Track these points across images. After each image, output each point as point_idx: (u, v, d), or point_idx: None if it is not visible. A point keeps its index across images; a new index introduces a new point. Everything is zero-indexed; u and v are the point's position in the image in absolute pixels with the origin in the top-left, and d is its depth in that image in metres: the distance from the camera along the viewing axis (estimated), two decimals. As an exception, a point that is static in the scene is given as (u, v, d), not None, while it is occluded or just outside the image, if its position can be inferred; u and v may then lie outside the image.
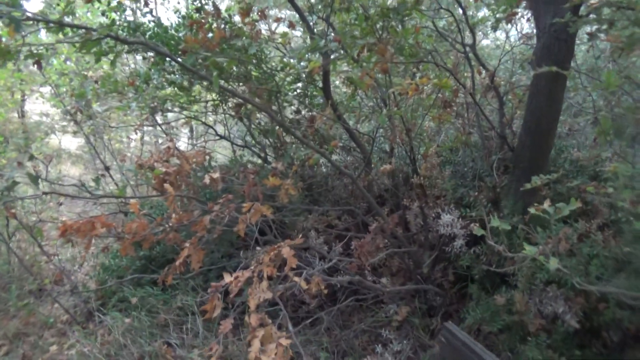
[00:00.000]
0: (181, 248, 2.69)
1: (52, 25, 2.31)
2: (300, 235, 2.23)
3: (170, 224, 2.77)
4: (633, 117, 2.08)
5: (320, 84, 3.69)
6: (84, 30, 2.34)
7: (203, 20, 3.10)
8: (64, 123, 7.97)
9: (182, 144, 5.83)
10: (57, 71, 5.02)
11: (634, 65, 4.52)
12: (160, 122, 4.77)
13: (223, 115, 4.39)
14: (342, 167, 3.43)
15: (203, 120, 4.46)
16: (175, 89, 4.17)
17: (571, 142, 4.36)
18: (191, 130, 6.52)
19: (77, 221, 2.78)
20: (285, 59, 3.54)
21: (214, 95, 4.47)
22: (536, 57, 2.71)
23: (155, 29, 3.78)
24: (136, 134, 3.99)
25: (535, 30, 2.94)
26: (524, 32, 5.23)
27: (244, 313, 1.97)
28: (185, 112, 4.42)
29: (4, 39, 2.35)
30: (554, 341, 2.59)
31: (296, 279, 1.96)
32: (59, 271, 4.17)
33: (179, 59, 2.65)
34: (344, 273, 3.04)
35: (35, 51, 2.28)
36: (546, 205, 1.78)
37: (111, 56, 2.86)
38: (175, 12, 4.00)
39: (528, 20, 5.05)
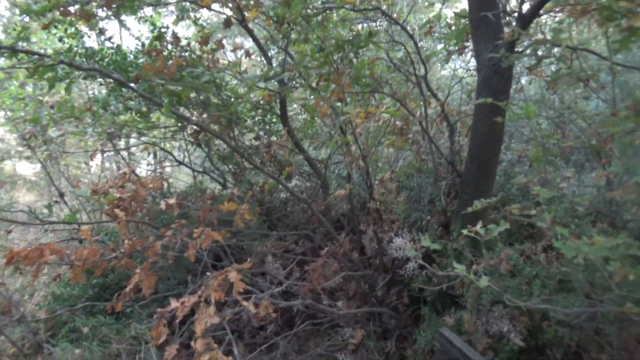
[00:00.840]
0: (133, 274, 2.68)
1: (4, 51, 2.31)
2: (250, 260, 2.26)
3: (123, 250, 2.75)
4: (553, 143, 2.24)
5: (279, 112, 3.79)
6: (37, 56, 2.35)
7: (161, 48, 3.14)
8: (20, 148, 7.78)
9: (143, 170, 5.77)
10: (11, 96, 4.93)
11: (579, 95, 4.84)
12: (120, 147, 4.73)
13: (183, 141, 4.40)
14: (299, 192, 3.49)
15: (162, 146, 4.46)
16: (134, 114, 4.17)
17: (523, 168, 4.58)
18: (155, 156, 6.47)
19: (24, 249, 2.73)
20: (241, 88, 3.62)
21: (172, 121, 4.49)
22: (477, 89, 2.89)
23: (114, 56, 3.81)
24: (92, 160, 3.95)
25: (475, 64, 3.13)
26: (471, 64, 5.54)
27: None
28: (144, 138, 4.41)
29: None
30: (501, 359, 2.68)
31: (245, 303, 1.98)
32: (7, 301, 4.01)
33: (133, 85, 2.68)
34: (300, 298, 3.07)
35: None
36: (478, 227, 1.89)
37: (67, 82, 2.87)
38: (136, 39, 4.04)
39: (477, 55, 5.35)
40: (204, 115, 4.01)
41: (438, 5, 4.92)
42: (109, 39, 3.90)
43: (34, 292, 4.96)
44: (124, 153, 4.89)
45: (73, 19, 3.21)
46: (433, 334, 2.88)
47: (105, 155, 5.88)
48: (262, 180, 3.88)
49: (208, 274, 2.13)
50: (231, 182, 4.53)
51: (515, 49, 2.72)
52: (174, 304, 1.91)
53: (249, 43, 7.68)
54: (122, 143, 4.98)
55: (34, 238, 6.84)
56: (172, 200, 3.18)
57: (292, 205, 4.41)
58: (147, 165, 5.71)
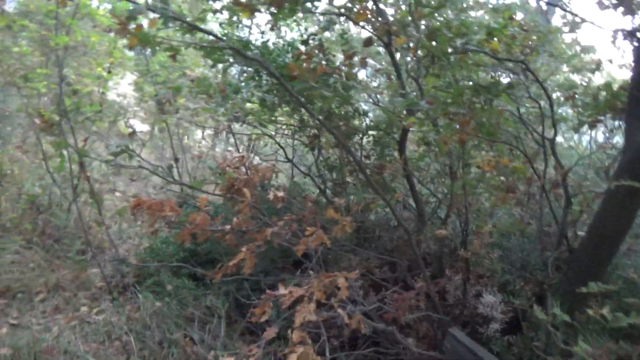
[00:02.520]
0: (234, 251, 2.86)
1: (186, 26, 2.57)
2: (357, 272, 2.32)
3: (231, 226, 2.94)
4: None
5: (397, 137, 3.85)
6: (212, 37, 2.61)
7: (310, 52, 3.34)
8: (137, 108, 8.51)
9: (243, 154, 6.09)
10: (159, 62, 5.46)
11: None
12: (241, 132, 5.05)
13: (297, 140, 4.61)
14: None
15: (277, 140, 4.70)
16: (260, 105, 4.45)
17: (626, 261, 4.28)
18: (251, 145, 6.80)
19: (149, 199, 3.01)
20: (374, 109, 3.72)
21: (292, 120, 4.72)
22: (618, 168, 2.76)
23: (262, 49, 4.10)
24: (217, 135, 4.28)
25: (623, 143, 2.99)
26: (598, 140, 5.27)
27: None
28: (262, 129, 4.68)
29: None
30: None
31: (341, 311, 2.05)
32: (107, 241, 4.42)
33: (287, 83, 2.87)
34: (377, 321, 3.08)
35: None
36: (605, 311, 1.81)
37: (225, 65, 3.15)
38: (280, 38, 4.29)
39: (611, 131, 5.08)
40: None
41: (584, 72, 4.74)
42: (262, 33, 4.20)
43: (127, 238, 5.38)
44: (243, 138, 5.21)
45: (240, 9, 3.50)
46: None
47: (220, 135, 6.30)
48: (362, 197, 3.94)
49: (311, 272, 2.23)
50: (330, 191, 4.65)
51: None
52: (282, 290, 2.02)
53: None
54: (241, 128, 5.29)
55: (135, 193, 7.45)
56: (280, 193, 3.34)
57: (380, 230, 4.44)
58: (248, 152, 5.99)
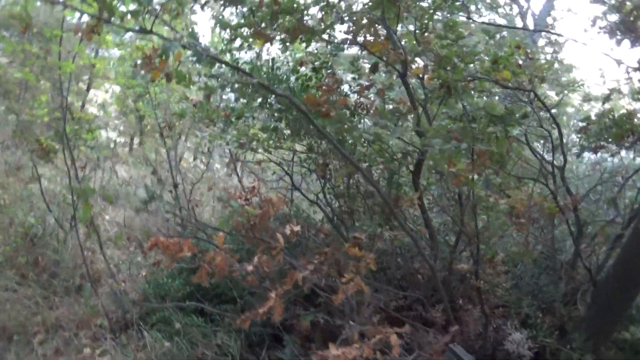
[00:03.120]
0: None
1: (211, 60, 2.48)
2: (406, 327, 2.24)
3: (254, 266, 2.82)
4: None
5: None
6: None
7: (331, 86, 3.28)
8: (116, 121, 8.33)
9: (248, 182, 5.97)
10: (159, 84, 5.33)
11: None
12: (247, 160, 4.95)
13: (304, 167, 4.54)
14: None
15: (285, 168, 4.61)
16: (267, 131, 4.36)
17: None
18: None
19: (166, 239, 2.88)
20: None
21: (297, 146, 4.65)
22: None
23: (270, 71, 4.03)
24: (228, 167, 4.18)
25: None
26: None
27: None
28: (268, 156, 4.59)
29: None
30: None
31: (389, 366, 1.96)
32: (109, 272, 4.23)
33: (312, 119, 2.79)
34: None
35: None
36: None
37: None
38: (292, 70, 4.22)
39: (612, 155, 5.16)
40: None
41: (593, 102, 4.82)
42: (273, 59, 4.13)
43: (123, 267, 5.17)
44: (241, 165, 5.12)
45: (258, 38, 3.43)
46: None
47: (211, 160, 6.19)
48: (379, 228, 3.87)
49: (351, 322, 2.14)
50: (337, 218, 4.56)
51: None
52: (333, 351, 1.91)
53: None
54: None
55: (128, 216, 7.23)
56: (297, 228, 3.24)
57: (393, 262, 4.38)
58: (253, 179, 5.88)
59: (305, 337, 3.80)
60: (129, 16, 2.24)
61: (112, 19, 2.07)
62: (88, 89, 9.68)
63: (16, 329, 3.78)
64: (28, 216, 4.70)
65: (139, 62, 2.37)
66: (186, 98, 4.80)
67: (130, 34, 4.07)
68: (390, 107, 3.53)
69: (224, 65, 3.41)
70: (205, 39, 6.14)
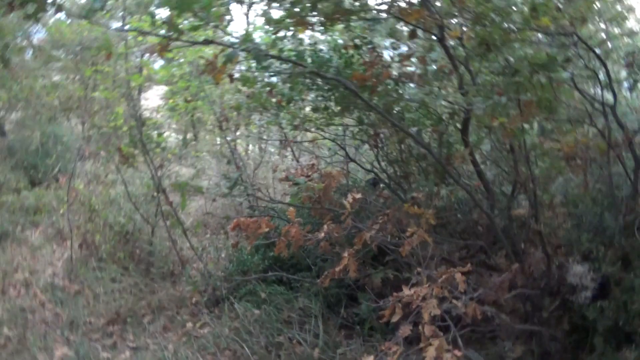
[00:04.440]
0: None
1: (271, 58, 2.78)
2: (470, 267, 2.50)
3: (324, 234, 3.17)
4: None
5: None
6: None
7: (374, 61, 3.50)
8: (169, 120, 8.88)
9: (304, 161, 6.32)
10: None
11: None
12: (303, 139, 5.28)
13: (358, 140, 4.81)
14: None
15: (339, 142, 4.90)
16: (318, 111, 4.65)
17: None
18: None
19: (247, 219, 3.27)
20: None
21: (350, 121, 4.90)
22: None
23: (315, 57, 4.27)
24: (285, 149, 4.56)
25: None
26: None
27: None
28: (321, 134, 4.89)
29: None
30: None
31: (457, 302, 2.24)
32: (198, 257, 4.75)
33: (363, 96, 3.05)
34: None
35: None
36: None
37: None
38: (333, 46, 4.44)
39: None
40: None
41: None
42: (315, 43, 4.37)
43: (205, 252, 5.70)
44: (305, 145, 5.45)
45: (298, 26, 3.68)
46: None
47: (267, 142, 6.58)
48: (435, 186, 4.10)
49: (419, 269, 2.43)
50: (394, 183, 4.80)
51: None
52: (406, 291, 2.22)
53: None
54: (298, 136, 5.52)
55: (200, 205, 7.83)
56: (358, 195, 3.53)
57: (454, 215, 4.59)
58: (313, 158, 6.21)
59: (377, 294, 4.13)
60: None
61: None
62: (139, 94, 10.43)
63: (128, 313, 4.37)
64: (119, 217, 5.31)
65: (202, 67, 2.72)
66: (239, 91, 5.15)
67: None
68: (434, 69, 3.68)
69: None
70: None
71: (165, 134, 8.78)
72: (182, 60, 5.34)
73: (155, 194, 5.16)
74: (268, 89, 4.27)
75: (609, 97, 4.17)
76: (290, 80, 2.95)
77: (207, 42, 2.45)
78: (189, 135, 10.45)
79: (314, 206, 3.52)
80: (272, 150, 6.85)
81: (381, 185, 4.65)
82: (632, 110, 5.78)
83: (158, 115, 9.40)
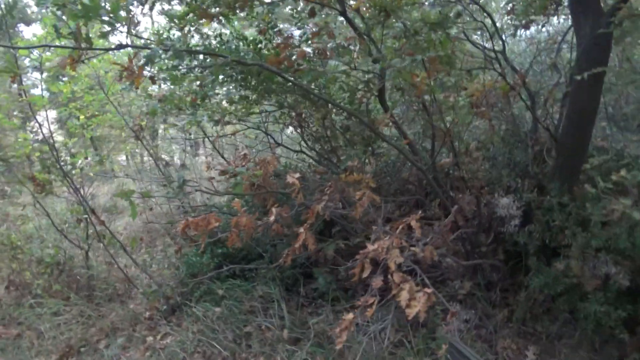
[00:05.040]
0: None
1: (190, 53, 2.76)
2: (420, 213, 2.70)
3: (273, 217, 3.23)
4: None
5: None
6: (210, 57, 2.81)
7: (286, 43, 3.57)
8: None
9: (228, 155, 6.29)
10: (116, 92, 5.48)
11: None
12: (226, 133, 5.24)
13: (281, 123, 4.88)
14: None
15: (263, 129, 4.94)
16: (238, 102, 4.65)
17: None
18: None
19: (196, 218, 3.25)
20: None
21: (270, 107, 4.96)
22: (577, 60, 3.23)
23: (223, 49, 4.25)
24: (214, 144, 4.51)
25: (575, 38, 3.45)
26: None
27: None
28: (245, 124, 4.90)
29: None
30: (608, 298, 3.07)
31: (414, 249, 2.43)
32: (145, 274, 4.60)
33: (288, 77, 3.12)
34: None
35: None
36: (623, 172, 2.27)
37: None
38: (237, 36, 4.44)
39: (542, 26, 5.65)
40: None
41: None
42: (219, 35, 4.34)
43: (151, 264, 5.53)
44: (227, 139, 5.41)
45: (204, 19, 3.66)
46: (545, 279, 3.27)
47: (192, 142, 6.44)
48: (363, 153, 4.29)
49: (374, 227, 2.59)
50: (325, 160, 4.96)
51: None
52: (370, 247, 2.36)
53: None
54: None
55: (127, 223, 7.53)
56: (296, 175, 3.64)
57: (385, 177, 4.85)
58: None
59: (331, 266, 4.31)
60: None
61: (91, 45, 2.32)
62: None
63: (80, 343, 4.16)
64: (45, 249, 4.97)
65: (120, 73, 2.64)
66: (150, 96, 4.99)
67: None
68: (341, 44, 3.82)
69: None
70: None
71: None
72: (76, 75, 5.06)
73: (80, 217, 4.90)
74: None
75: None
76: (213, 73, 2.92)
77: (121, 46, 2.37)
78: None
79: (258, 192, 3.56)
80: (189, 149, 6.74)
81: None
82: (516, 54, 6.41)
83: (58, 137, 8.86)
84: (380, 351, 3.31)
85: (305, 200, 3.30)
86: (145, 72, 3.16)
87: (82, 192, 4.39)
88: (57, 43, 2.57)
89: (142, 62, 2.45)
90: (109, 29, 2.44)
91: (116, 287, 4.89)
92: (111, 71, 5.48)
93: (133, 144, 6.34)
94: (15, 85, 4.09)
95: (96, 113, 5.50)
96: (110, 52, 2.72)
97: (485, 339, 3.55)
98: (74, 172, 4.47)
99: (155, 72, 3.19)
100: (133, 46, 2.38)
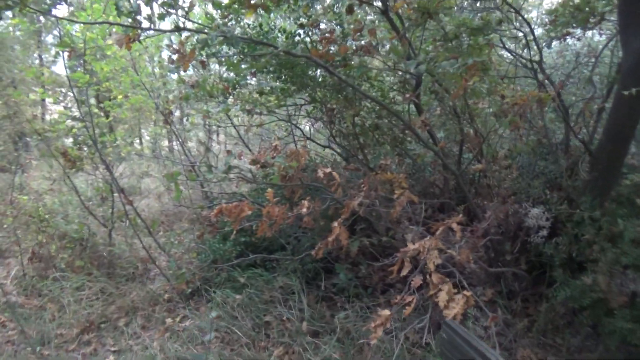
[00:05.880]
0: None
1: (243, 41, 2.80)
2: (461, 215, 2.71)
3: (305, 209, 3.26)
4: None
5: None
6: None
7: (330, 37, 3.59)
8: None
9: (253, 146, 6.32)
10: (148, 74, 5.54)
11: None
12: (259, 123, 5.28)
13: (312, 118, 4.91)
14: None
15: (294, 122, 4.97)
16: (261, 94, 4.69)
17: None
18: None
19: (229, 205, 3.28)
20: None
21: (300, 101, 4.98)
22: (622, 76, 3.22)
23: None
24: (247, 133, 4.54)
25: (621, 53, 3.43)
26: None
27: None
28: (276, 116, 4.93)
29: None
30: (635, 316, 3.07)
31: (451, 251, 2.44)
32: (167, 255, 4.66)
33: (336, 72, 3.14)
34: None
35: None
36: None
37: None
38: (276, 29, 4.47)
39: (578, 39, 5.61)
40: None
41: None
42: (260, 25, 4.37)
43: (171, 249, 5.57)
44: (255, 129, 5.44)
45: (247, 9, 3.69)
46: (572, 292, 3.27)
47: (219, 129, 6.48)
48: (395, 153, 4.30)
49: (412, 227, 2.61)
50: (352, 157, 4.98)
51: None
52: (411, 246, 2.38)
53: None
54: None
55: (147, 204, 7.60)
56: (327, 169, 3.66)
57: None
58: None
59: (352, 263, 4.33)
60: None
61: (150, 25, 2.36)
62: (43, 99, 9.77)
63: (100, 319, 4.23)
64: (71, 224, 5.04)
65: (174, 56, 2.68)
66: (183, 81, 5.04)
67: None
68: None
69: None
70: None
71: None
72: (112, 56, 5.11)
73: (106, 195, 4.97)
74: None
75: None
76: (264, 62, 2.95)
77: (179, 28, 2.41)
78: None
79: (294, 184, 3.59)
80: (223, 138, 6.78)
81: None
82: (547, 66, 6.37)
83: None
84: (401, 350, 3.32)
85: (336, 195, 3.32)
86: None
87: (112, 170, 4.44)
88: (116, 21, 2.61)
89: (197, 45, 2.48)
90: (167, 10, 2.47)
91: (137, 267, 4.95)
92: (144, 54, 5.54)
93: (156, 127, 6.38)
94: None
95: (127, 94, 5.55)
96: (164, 33, 2.74)
97: (505, 347, 3.55)
98: (106, 150, 4.52)
99: (205, 56, 3.22)
100: (191, 30, 2.41)
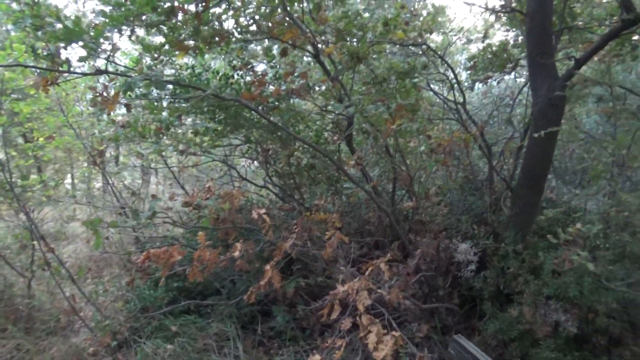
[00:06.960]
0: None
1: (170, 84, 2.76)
2: (393, 252, 2.74)
3: (238, 253, 3.19)
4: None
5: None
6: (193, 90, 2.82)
7: (262, 79, 3.63)
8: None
9: (189, 186, 6.19)
10: (77, 114, 5.32)
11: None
12: (191, 164, 5.17)
13: (247, 158, 4.88)
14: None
15: (230, 163, 4.92)
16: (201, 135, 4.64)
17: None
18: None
19: (157, 250, 3.16)
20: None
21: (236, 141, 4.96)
22: (534, 118, 3.47)
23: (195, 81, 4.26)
24: (181, 173, 4.42)
25: (531, 98, 3.70)
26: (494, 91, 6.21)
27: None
28: (210, 156, 4.86)
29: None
30: (558, 345, 3.20)
31: (381, 291, 2.46)
32: (92, 306, 4.36)
33: (263, 115, 3.15)
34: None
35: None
36: (579, 225, 2.42)
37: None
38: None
39: (498, 83, 6.02)
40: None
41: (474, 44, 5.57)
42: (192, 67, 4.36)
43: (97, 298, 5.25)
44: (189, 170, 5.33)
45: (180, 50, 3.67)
46: (500, 325, 3.38)
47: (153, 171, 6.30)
48: (327, 193, 4.34)
49: (342, 268, 2.61)
50: (288, 196, 4.98)
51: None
52: (340, 288, 2.36)
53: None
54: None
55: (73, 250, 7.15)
56: (262, 210, 3.63)
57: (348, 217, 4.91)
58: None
59: (289, 304, 4.25)
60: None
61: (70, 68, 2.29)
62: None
63: (16, 379, 3.86)
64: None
65: (94, 98, 2.60)
66: (113, 122, 4.89)
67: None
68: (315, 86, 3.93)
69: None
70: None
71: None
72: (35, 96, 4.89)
73: (25, 243, 4.64)
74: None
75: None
76: (192, 105, 2.93)
77: (102, 72, 2.35)
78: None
79: (226, 227, 3.52)
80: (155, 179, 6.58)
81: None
82: (471, 107, 6.78)
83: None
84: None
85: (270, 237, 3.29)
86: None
87: (31, 215, 4.16)
88: (32, 63, 2.50)
89: (120, 88, 2.42)
90: (90, 53, 2.41)
91: (59, 320, 4.60)
92: (72, 94, 5.36)
93: (86, 168, 6.12)
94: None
95: (53, 135, 5.30)
96: (84, 76, 2.66)
97: (441, 382, 3.58)
98: (26, 195, 4.25)
99: (129, 99, 3.14)
100: (114, 73, 2.36)
